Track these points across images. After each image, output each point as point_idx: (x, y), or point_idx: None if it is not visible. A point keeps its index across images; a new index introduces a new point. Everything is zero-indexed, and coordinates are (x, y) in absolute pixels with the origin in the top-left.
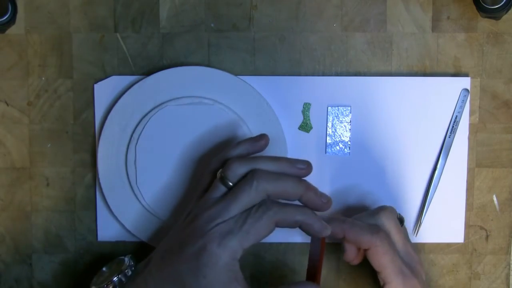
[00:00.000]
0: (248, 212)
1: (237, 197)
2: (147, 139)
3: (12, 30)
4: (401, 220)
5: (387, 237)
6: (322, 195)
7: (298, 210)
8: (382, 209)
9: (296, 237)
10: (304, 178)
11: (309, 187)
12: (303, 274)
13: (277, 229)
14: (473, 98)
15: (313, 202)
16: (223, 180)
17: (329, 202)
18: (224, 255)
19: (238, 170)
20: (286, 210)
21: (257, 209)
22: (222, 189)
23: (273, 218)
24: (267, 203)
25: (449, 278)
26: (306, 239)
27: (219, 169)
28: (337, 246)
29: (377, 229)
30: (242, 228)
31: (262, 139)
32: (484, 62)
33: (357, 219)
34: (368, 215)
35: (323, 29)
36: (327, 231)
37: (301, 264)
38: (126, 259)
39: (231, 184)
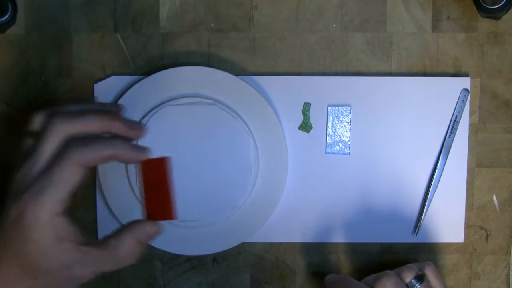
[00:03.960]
0: (54, 160)
1: (39, 146)
2: (147, 139)
3: (12, 30)
4: (419, 278)
5: None
6: (131, 122)
7: (105, 144)
8: (384, 274)
9: (296, 237)
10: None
11: (114, 117)
12: (303, 274)
13: (277, 228)
14: (473, 98)
15: (123, 132)
16: (29, 132)
17: (141, 128)
18: (43, 213)
19: (40, 118)
20: (90, 148)
21: (59, 155)
22: (29, 143)
23: (76, 161)
24: (69, 146)
25: (449, 278)
26: (306, 239)
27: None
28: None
29: None
30: (50, 180)
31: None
32: (484, 62)
33: (364, 281)
34: (372, 278)
35: (323, 29)
36: (143, 154)
37: (301, 264)
38: None
39: (35, 134)
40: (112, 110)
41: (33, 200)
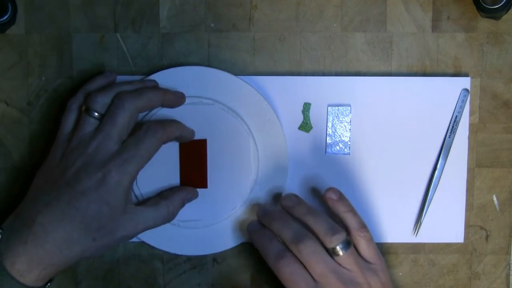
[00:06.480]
0: (137, 137)
1: (114, 122)
2: None
3: (12, 30)
4: (347, 244)
5: (292, 265)
6: (177, 93)
7: (176, 127)
8: (303, 238)
9: None
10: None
11: (165, 91)
12: None
13: None
14: (473, 98)
15: (173, 101)
16: (91, 113)
17: (183, 96)
18: (126, 180)
19: (104, 99)
20: (169, 130)
21: (145, 134)
22: (92, 122)
23: (160, 140)
24: (152, 127)
25: (449, 278)
26: None
27: (82, 104)
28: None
29: (282, 255)
30: (136, 153)
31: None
32: (484, 62)
33: (282, 233)
34: (290, 235)
35: (323, 29)
36: (193, 135)
37: None
38: None
39: (98, 114)
40: (156, 85)
41: (119, 168)
